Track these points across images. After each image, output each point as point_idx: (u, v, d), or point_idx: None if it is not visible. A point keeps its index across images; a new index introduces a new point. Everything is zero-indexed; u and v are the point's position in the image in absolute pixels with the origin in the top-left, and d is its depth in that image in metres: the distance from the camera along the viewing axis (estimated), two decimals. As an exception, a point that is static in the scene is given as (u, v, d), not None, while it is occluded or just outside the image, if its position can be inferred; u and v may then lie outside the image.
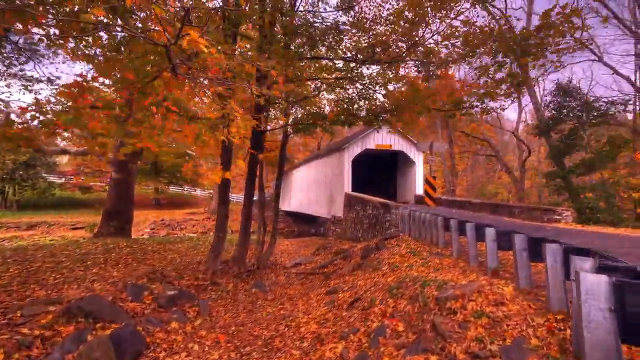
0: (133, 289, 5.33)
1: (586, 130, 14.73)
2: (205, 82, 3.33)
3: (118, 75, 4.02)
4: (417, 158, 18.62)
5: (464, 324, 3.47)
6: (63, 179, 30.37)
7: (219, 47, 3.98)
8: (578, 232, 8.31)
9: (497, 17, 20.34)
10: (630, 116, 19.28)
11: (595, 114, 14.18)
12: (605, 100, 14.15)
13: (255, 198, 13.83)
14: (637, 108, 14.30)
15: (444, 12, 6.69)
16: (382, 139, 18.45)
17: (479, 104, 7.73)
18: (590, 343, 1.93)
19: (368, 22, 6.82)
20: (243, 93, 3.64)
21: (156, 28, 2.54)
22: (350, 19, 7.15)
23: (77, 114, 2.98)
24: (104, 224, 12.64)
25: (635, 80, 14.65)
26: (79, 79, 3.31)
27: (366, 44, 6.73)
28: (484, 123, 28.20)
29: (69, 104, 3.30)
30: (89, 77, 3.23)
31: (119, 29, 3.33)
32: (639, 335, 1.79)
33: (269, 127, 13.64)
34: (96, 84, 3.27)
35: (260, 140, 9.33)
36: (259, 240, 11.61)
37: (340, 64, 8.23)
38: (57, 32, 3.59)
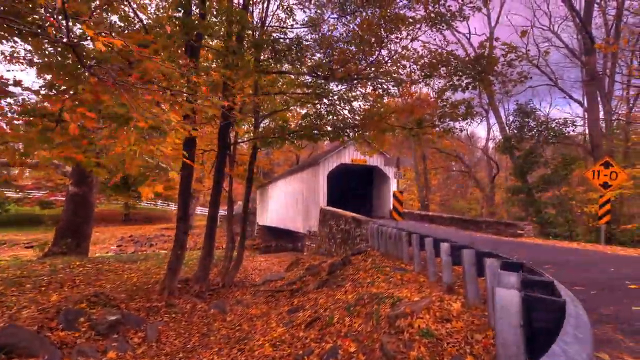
0: (67, 316, 4.82)
1: (544, 148, 15.71)
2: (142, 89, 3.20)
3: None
4: (392, 173, 18.97)
5: (409, 343, 3.38)
6: (20, 194, 28.14)
7: (165, 56, 3.88)
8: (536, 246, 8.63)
9: (463, 43, 21.79)
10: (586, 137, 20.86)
11: (551, 133, 15.22)
12: (560, 121, 15.27)
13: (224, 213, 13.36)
14: (587, 129, 15.52)
15: (404, 34, 7.03)
16: (358, 153, 18.71)
17: (440, 123, 8.05)
18: (504, 361, 1.88)
19: (331, 40, 7.02)
20: (184, 103, 3.52)
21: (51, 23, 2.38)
22: (316, 36, 7.37)
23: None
24: (57, 242, 11.68)
25: (584, 103, 15.97)
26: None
27: (325, 61, 6.91)
28: (456, 140, 29.48)
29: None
30: (11, 80, 2.99)
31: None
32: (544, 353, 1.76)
33: (244, 139, 13.47)
34: (19, 89, 3.03)
35: (226, 152, 9.14)
36: (226, 256, 11.13)
37: (308, 79, 8.35)
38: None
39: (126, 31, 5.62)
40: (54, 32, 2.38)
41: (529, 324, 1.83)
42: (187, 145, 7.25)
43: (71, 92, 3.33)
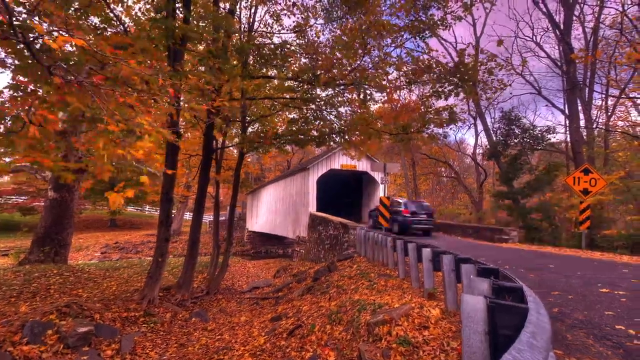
0: (33, 328, 4.57)
1: (529, 155, 16.06)
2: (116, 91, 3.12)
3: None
4: (380, 179, 19.05)
5: (387, 352, 3.32)
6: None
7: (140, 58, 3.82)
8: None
9: (450, 52, 22.31)
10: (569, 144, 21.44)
11: (535, 140, 15.60)
12: (543, 128, 15.70)
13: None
14: (568, 136, 15.99)
15: (388, 41, 7.14)
16: (347, 159, 18.73)
17: (425, 129, 8.13)
18: (469, 370, 1.84)
19: (317, 46, 7.08)
20: (163, 107, 3.45)
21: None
22: (302, 41, 7.40)
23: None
24: (34, 250, 11.21)
25: (566, 111, 16.48)
26: None
27: (310, 66, 6.94)
28: (445, 146, 29.93)
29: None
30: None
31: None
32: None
33: (232, 144, 13.32)
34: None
35: (211, 157, 9.00)
36: (212, 263, 10.89)
37: (294, 84, 8.34)
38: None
39: (104, 33, 5.51)
40: (5, 28, 2.29)
41: (494, 330, 1.79)
42: (169, 151, 7.11)
43: (38, 94, 3.22)
